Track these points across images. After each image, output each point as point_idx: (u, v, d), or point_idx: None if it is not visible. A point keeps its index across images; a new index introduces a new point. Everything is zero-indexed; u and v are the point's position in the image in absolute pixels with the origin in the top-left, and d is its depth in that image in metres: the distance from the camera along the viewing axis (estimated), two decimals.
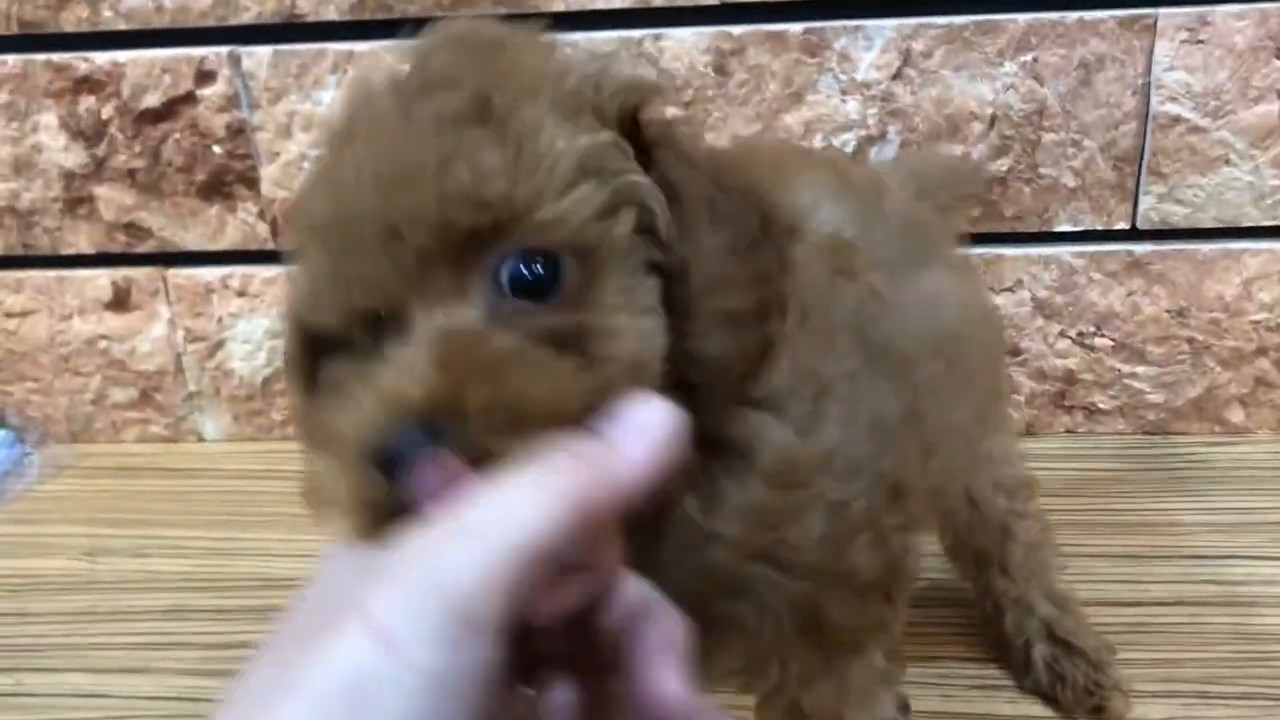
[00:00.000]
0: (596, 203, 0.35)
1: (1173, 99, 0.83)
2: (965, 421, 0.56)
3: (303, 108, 0.89)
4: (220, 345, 0.98)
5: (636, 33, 0.84)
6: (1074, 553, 0.74)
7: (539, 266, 0.34)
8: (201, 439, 1.02)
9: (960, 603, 0.72)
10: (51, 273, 0.97)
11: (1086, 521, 0.81)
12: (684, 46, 0.84)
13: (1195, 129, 0.83)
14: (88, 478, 0.97)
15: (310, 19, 0.87)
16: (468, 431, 0.30)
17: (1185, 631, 0.70)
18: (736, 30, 0.84)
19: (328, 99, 0.88)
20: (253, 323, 0.97)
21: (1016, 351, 0.91)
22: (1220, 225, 0.86)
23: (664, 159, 0.38)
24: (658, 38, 0.84)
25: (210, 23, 0.87)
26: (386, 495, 0.30)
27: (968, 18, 0.82)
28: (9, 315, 0.99)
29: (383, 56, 0.86)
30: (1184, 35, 0.81)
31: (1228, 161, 0.84)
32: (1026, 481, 0.67)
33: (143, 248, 0.95)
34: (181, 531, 0.88)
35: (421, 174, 0.34)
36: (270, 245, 0.94)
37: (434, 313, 0.34)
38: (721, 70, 0.85)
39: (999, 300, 0.89)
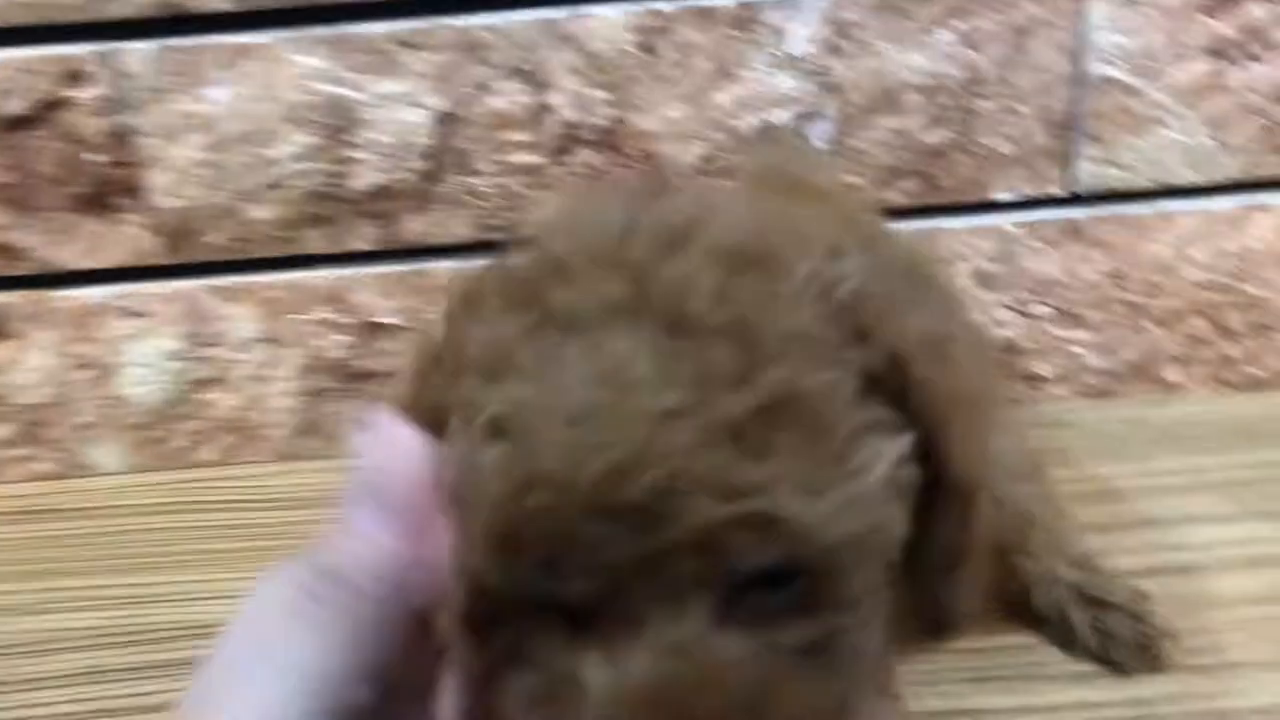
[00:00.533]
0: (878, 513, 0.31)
1: (1107, 61, 0.82)
2: None
3: (191, 108, 0.81)
4: (112, 371, 0.90)
5: (557, 12, 0.79)
6: None
7: (785, 566, 0.30)
8: (95, 473, 0.93)
9: None
10: None
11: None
12: (608, 25, 0.80)
13: (1129, 90, 0.83)
14: None
15: (194, 10, 0.79)
16: None
17: (1161, 602, 0.69)
18: (665, 8, 0.79)
19: (220, 97, 0.81)
20: (148, 344, 0.89)
21: None
22: (1155, 186, 0.86)
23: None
24: (580, 16, 0.79)
25: (80, 18, 0.79)
26: None
27: None
28: None
29: (279, 52, 0.80)
30: None
31: (1161, 122, 0.84)
32: (1038, 460, 0.65)
33: (17, 270, 0.86)
34: (89, 580, 0.80)
35: (684, 470, 0.28)
36: (163, 260, 0.86)
37: (666, 615, 0.28)
38: (648, 49, 0.80)
39: None
